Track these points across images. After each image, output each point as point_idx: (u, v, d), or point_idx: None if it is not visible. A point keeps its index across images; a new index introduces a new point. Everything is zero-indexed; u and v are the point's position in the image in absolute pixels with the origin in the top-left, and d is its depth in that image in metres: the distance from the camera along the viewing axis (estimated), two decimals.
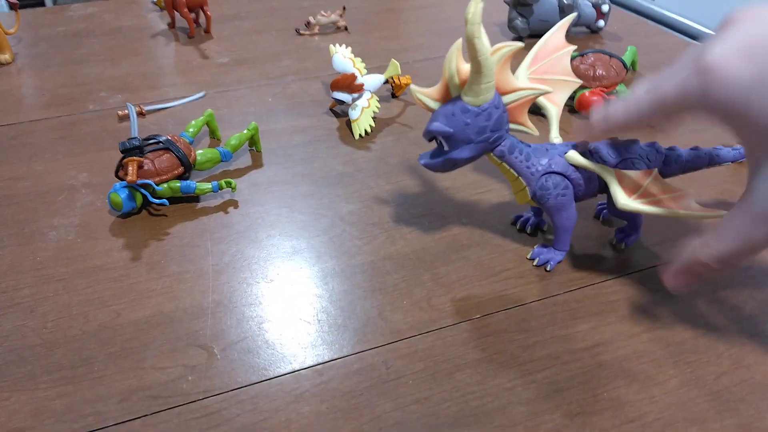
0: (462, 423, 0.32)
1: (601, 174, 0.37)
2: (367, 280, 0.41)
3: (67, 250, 0.44)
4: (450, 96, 0.37)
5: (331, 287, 0.41)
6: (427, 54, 0.75)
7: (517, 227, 0.45)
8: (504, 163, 0.39)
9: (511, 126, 0.38)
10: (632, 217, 0.43)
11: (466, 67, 0.36)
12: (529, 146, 0.39)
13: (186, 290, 0.40)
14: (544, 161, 0.39)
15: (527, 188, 0.39)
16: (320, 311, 0.39)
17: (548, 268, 0.41)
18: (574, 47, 0.42)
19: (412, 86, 0.38)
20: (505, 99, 0.37)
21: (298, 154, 0.55)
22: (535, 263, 0.42)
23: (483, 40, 0.33)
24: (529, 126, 0.39)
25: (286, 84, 0.68)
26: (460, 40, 0.36)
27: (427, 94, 0.38)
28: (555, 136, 0.41)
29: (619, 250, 0.44)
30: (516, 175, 0.39)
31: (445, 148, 0.38)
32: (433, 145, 0.39)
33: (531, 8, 0.75)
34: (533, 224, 0.45)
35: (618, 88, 0.61)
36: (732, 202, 0.49)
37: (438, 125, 0.36)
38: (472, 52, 0.34)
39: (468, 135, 0.36)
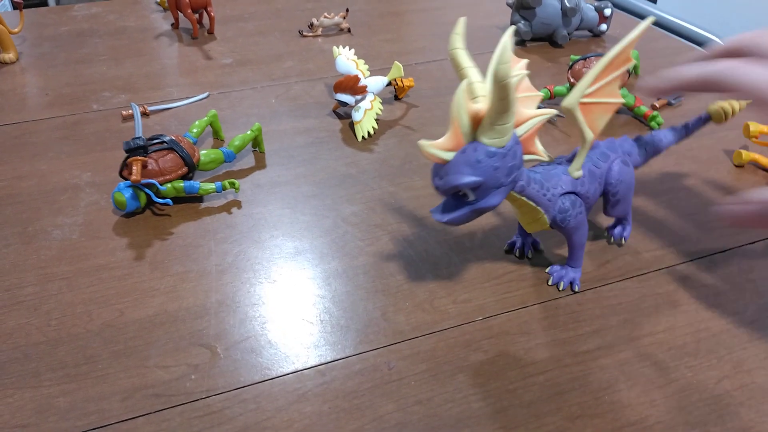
0: (464, 424, 0.32)
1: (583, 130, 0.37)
2: (369, 282, 0.41)
3: (71, 249, 0.44)
4: (463, 142, 0.33)
5: (334, 288, 0.41)
6: (429, 57, 0.75)
7: (517, 255, 0.43)
8: (523, 197, 0.36)
9: (525, 157, 0.36)
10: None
11: (476, 108, 0.33)
12: (537, 173, 0.37)
13: (189, 290, 0.41)
14: (555, 184, 0.37)
15: (545, 215, 0.37)
16: (323, 312, 0.39)
17: (576, 289, 0.41)
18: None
19: (421, 142, 0.33)
20: (518, 131, 0.35)
21: (301, 155, 0.55)
22: (561, 288, 0.41)
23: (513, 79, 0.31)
24: (541, 152, 0.37)
25: (289, 85, 0.68)
26: (464, 83, 0.32)
27: (439, 146, 0.33)
28: (576, 169, 0.38)
29: (620, 245, 0.44)
30: (534, 205, 0.37)
31: (471, 198, 0.34)
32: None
33: (533, 11, 0.75)
34: (529, 247, 0.44)
35: (620, 92, 0.61)
36: None
37: (468, 178, 0.33)
38: (503, 93, 0.31)
39: (499, 179, 0.34)
